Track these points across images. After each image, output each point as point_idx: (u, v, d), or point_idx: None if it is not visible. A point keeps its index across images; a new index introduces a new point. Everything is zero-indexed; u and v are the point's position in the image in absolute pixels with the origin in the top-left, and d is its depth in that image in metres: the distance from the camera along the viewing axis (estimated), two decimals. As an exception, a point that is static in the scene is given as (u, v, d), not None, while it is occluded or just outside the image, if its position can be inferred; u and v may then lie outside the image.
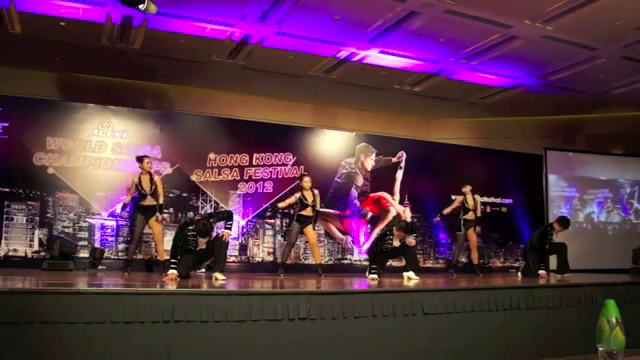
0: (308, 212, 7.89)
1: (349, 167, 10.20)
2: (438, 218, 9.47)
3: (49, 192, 8.33)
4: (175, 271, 5.62)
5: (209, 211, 8.80)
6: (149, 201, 7.35)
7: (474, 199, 8.97)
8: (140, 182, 7.34)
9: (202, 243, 5.78)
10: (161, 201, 7.46)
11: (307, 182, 7.98)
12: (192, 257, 5.85)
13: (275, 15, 7.66)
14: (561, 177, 11.72)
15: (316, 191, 8.06)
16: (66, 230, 8.38)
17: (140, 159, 7.55)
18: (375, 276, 6.64)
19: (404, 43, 8.53)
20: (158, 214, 7.35)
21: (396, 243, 6.82)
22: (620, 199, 12.06)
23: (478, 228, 8.98)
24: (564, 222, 8.06)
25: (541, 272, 7.80)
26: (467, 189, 8.97)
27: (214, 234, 5.96)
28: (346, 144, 10.32)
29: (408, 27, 7.91)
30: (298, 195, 7.92)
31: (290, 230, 8.07)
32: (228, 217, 6.04)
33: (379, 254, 6.95)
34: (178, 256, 5.74)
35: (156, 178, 7.52)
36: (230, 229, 5.98)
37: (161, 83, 10.26)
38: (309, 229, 7.91)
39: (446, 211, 9.02)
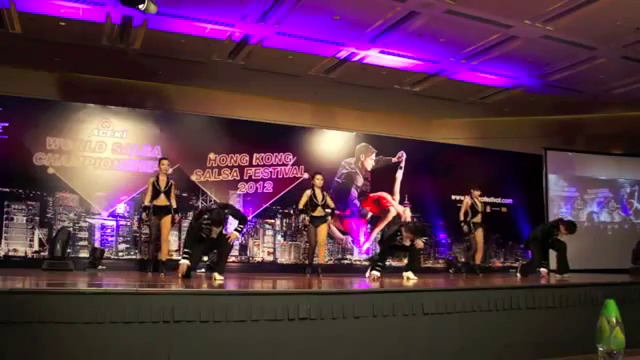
0: (318, 212, 8.06)
1: (349, 167, 10.20)
2: (465, 227, 9.11)
3: (49, 192, 8.33)
4: (188, 261, 5.72)
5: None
6: (162, 200, 7.61)
7: (481, 202, 9.20)
8: (157, 180, 7.68)
9: (215, 232, 5.81)
10: (174, 204, 7.76)
11: (319, 180, 8.19)
12: (202, 246, 5.91)
13: (275, 15, 7.66)
14: (561, 177, 11.72)
15: (325, 193, 8.29)
16: (66, 230, 8.38)
17: (159, 161, 7.97)
18: (378, 274, 6.58)
19: (404, 43, 8.53)
20: (175, 214, 7.71)
21: (406, 243, 6.82)
22: (620, 199, 12.06)
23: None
24: (571, 227, 7.80)
25: (542, 270, 7.79)
26: (477, 193, 9.18)
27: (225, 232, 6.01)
28: (346, 144, 10.32)
29: (408, 27, 7.91)
30: (309, 192, 8.12)
31: (308, 232, 8.26)
32: (242, 220, 6.07)
33: (388, 248, 6.94)
34: (191, 247, 5.81)
35: (171, 182, 7.83)
36: (240, 232, 6.05)
37: (161, 83, 10.26)
38: (322, 228, 8.07)
39: (462, 216, 9.07)
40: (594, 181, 11.92)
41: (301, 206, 8.16)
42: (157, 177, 7.76)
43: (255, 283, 5.79)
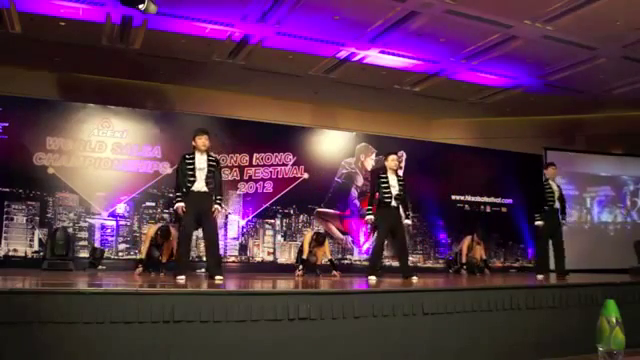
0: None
1: (349, 167, 10.20)
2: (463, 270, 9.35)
3: (49, 192, 8.33)
4: (183, 203, 5.81)
5: None
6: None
7: (478, 249, 9.32)
8: (156, 239, 7.53)
9: (199, 179, 5.83)
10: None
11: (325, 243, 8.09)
12: (191, 209, 5.79)
13: (275, 15, 7.66)
14: (561, 177, 11.71)
15: (326, 246, 8.14)
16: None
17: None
18: (371, 217, 6.75)
19: (404, 43, 8.53)
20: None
21: (392, 179, 6.66)
22: (622, 198, 12.05)
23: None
24: (551, 164, 8.22)
25: (538, 223, 7.83)
26: (477, 239, 9.32)
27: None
28: (346, 144, 10.32)
29: (408, 27, 7.91)
30: (307, 243, 7.99)
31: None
32: (219, 187, 6.06)
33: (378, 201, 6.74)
34: (181, 189, 5.90)
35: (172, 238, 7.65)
36: (220, 205, 6.06)
37: (161, 83, 10.26)
38: (319, 250, 8.03)
39: (464, 258, 9.29)
40: (594, 181, 11.91)
41: (305, 255, 7.88)
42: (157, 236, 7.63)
43: (255, 283, 5.78)
